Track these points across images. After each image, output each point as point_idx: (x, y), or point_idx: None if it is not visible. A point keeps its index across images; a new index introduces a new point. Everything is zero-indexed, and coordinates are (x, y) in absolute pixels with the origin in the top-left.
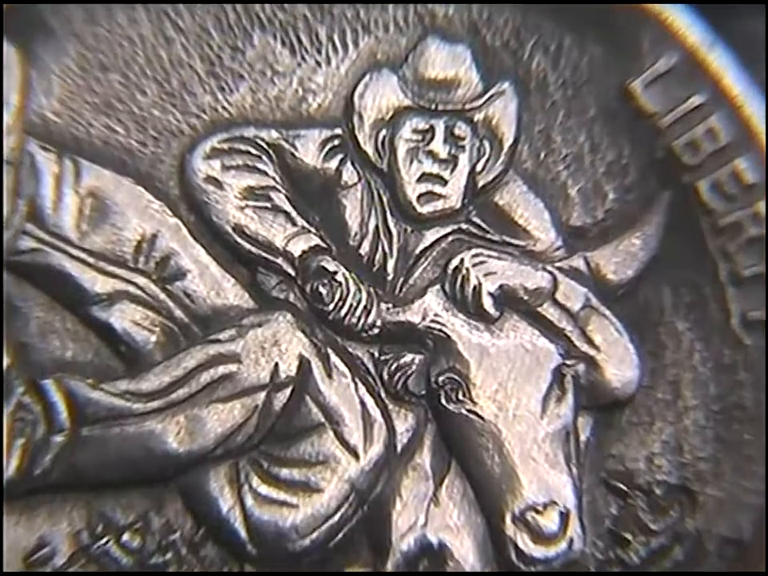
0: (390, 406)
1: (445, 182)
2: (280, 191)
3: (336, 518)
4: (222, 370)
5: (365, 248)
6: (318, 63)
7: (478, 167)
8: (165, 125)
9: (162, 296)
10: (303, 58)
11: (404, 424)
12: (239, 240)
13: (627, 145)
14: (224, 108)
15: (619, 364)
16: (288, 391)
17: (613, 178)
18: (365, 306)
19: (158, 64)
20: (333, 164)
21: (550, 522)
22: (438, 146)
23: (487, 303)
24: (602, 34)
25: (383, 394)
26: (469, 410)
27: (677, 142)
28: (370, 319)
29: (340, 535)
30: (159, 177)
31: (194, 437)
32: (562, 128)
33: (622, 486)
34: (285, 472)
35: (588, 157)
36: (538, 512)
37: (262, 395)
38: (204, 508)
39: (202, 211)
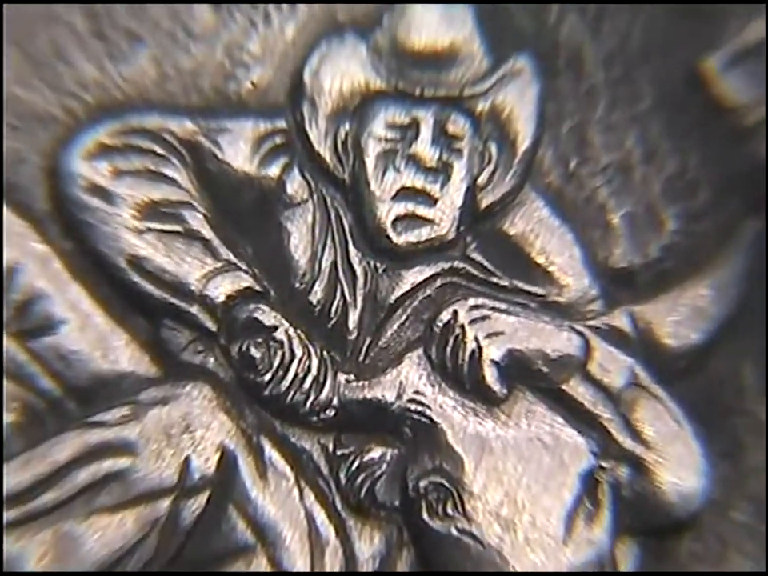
0: (350, 522)
1: (433, 201)
2: (196, 209)
3: None
4: (108, 465)
5: (316, 293)
6: (253, 23)
7: (481, 180)
8: (28, 108)
9: (22, 357)
10: (231, 15)
11: (369, 548)
12: (136, 278)
13: (696, 152)
14: (115, 84)
15: (678, 468)
16: (203, 498)
17: (674, 199)
18: (315, 378)
19: (19, 19)
20: (273, 171)
21: None
22: (424, 148)
23: (490, 376)
24: None
25: (340, 505)
26: (462, 530)
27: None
28: (323, 396)
29: None
30: (20, 183)
31: (66, 563)
32: (603, 125)
33: None
34: None
35: (639, 168)
36: None
37: (166, 503)
38: None
39: (82, 236)
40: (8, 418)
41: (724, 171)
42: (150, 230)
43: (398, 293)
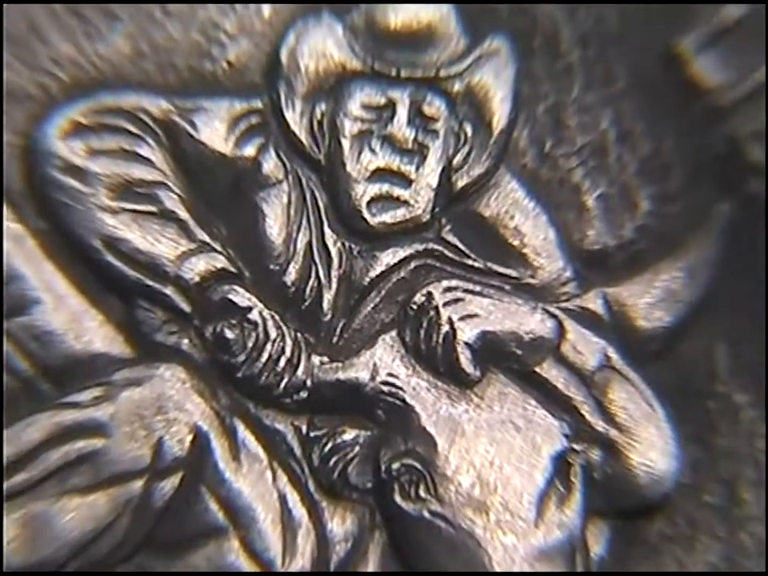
0: (322, 504)
1: (408, 182)
2: (171, 189)
3: None
4: (80, 446)
5: (291, 274)
6: (230, 2)
7: (456, 161)
8: (4, 85)
9: None
10: None
11: (341, 530)
12: (110, 259)
13: (671, 133)
14: (91, 62)
15: (649, 451)
16: (176, 479)
17: (648, 181)
18: (289, 359)
19: None
20: (248, 151)
21: None
22: (400, 129)
23: (464, 359)
24: None
25: (312, 487)
26: (434, 513)
27: (743, 130)
28: (297, 378)
29: None
30: None
31: (37, 544)
32: (578, 106)
33: None
34: None
35: (614, 149)
36: None
37: (138, 485)
38: None
39: (56, 215)
40: None
41: (698, 153)
42: (124, 210)
43: (372, 274)
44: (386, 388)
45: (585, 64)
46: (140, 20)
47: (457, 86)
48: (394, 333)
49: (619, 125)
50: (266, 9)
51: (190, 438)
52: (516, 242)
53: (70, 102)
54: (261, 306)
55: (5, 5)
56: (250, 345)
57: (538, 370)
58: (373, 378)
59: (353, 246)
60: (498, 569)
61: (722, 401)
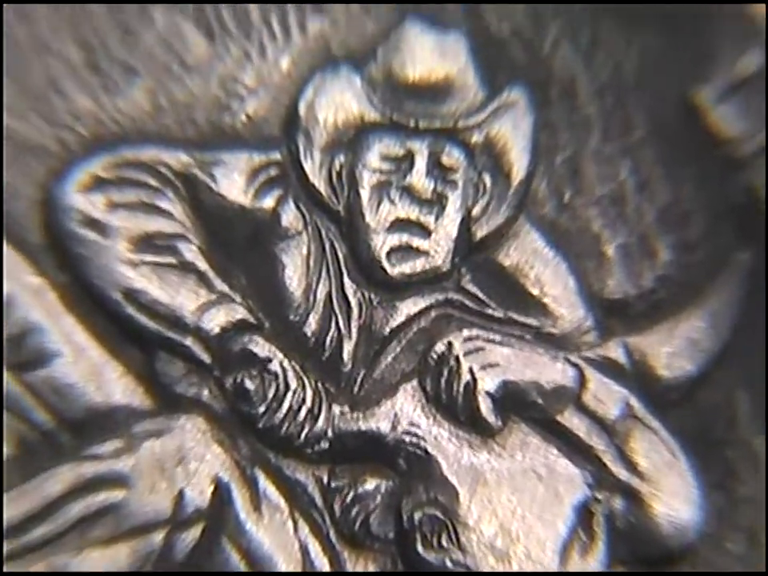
0: (344, 554)
1: (427, 233)
2: (191, 241)
3: None
4: (102, 498)
5: (311, 325)
6: (247, 55)
7: (476, 212)
8: (22, 139)
9: (16, 390)
10: (225, 47)
11: None
12: (131, 311)
13: (690, 182)
14: (110, 117)
15: (672, 500)
16: (197, 531)
17: (668, 230)
18: (310, 409)
19: (13, 51)
20: (267, 203)
21: None
22: (419, 180)
23: (485, 408)
24: (657, 19)
25: (334, 537)
26: (456, 562)
27: (761, 180)
28: (318, 428)
29: None
30: (15, 216)
31: None
32: (597, 156)
33: None
34: None
35: (633, 199)
36: None
37: (160, 536)
38: None
39: (77, 268)
40: (3, 450)
41: (717, 202)
42: (144, 262)
43: (392, 324)
44: (407, 438)
45: (603, 114)
46: (158, 74)
47: (475, 137)
48: (414, 382)
49: (638, 174)
50: (285, 62)
51: (211, 488)
52: (536, 292)
53: (90, 156)
54: (281, 356)
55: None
56: (270, 395)
57: (559, 418)
58: (394, 428)
59: (373, 296)
60: None
61: (743, 448)
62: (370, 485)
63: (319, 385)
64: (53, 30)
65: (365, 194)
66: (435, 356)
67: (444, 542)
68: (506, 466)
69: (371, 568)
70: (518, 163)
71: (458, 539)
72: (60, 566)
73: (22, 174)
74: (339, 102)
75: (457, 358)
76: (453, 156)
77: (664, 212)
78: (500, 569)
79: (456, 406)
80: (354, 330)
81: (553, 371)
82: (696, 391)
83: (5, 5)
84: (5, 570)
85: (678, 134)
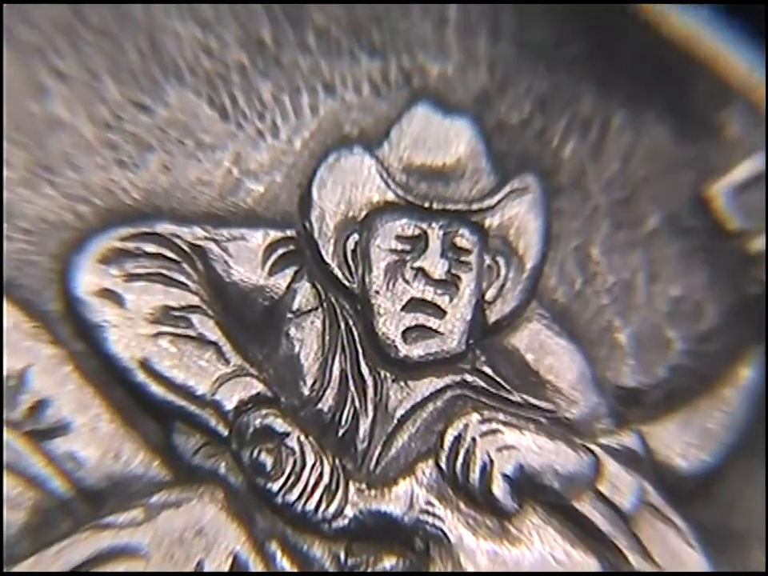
0: None
1: (442, 314)
2: (207, 314)
3: None
4: (120, 569)
5: (327, 401)
6: (261, 134)
7: (489, 295)
8: (38, 212)
9: (33, 458)
10: (239, 125)
11: None
12: (148, 382)
13: (703, 274)
14: (125, 191)
15: None
16: None
17: (681, 320)
18: (327, 485)
19: (27, 125)
20: (282, 280)
21: None
22: (433, 261)
23: (500, 491)
24: (669, 109)
25: None
26: None
27: None
28: (335, 505)
29: None
30: (31, 287)
31: None
32: (608, 245)
33: None
34: None
35: (645, 288)
36: None
37: None
38: None
39: (94, 339)
40: (19, 518)
41: (730, 295)
42: (161, 333)
43: (408, 404)
44: (423, 518)
45: (613, 204)
46: (172, 150)
47: (489, 220)
48: (431, 462)
49: (650, 264)
50: (298, 141)
51: (228, 562)
52: (550, 377)
53: (106, 229)
54: (298, 431)
55: None
56: (287, 470)
57: (576, 505)
58: (411, 508)
59: (388, 374)
60: None
61: (759, 541)
62: (387, 563)
63: (336, 461)
64: (67, 105)
65: (379, 273)
66: (451, 437)
67: None
68: (523, 551)
69: None
70: (532, 247)
71: None
72: None
73: (39, 245)
74: (353, 181)
75: (473, 440)
76: (467, 238)
77: (677, 302)
78: None
79: (472, 488)
80: (370, 408)
81: (569, 456)
82: (713, 481)
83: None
84: None
85: (689, 227)
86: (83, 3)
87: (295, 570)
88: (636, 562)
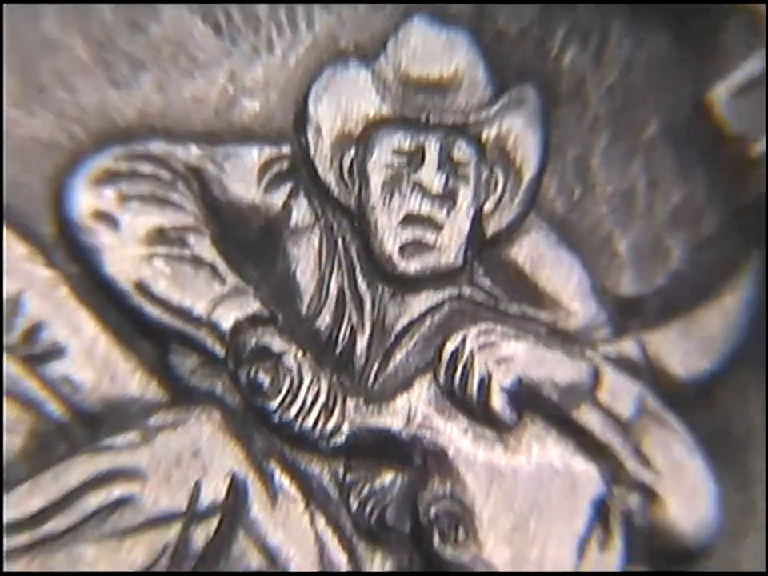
0: (361, 548)
1: (439, 228)
2: (203, 234)
3: None
4: (117, 491)
5: (324, 319)
6: (256, 50)
7: (487, 207)
8: (31, 133)
9: (29, 383)
10: (234, 42)
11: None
12: (143, 303)
13: (703, 181)
14: (119, 111)
15: (689, 498)
16: (213, 523)
17: (680, 228)
18: (325, 403)
19: (20, 47)
20: (278, 198)
21: None
22: (430, 174)
23: (499, 404)
24: (667, 18)
25: (350, 531)
26: (473, 558)
27: None
28: (333, 423)
29: None
30: (25, 210)
31: None
32: (608, 155)
33: None
34: None
35: (644, 197)
36: None
37: (176, 528)
38: None
39: (88, 261)
40: (16, 442)
41: (730, 200)
42: (156, 255)
43: (405, 319)
44: (421, 432)
45: (612, 113)
46: (166, 68)
47: (486, 132)
48: (429, 377)
49: (649, 173)
50: (293, 57)
51: (227, 481)
52: (549, 288)
53: (100, 150)
54: (295, 350)
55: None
56: (284, 389)
57: (574, 414)
58: (409, 423)
59: (385, 290)
60: None
61: (758, 448)
62: (385, 479)
63: (334, 379)
64: (60, 26)
65: (376, 188)
66: (449, 351)
67: (461, 537)
68: (521, 461)
69: (388, 562)
70: (530, 159)
71: (474, 534)
72: (78, 556)
73: (33, 168)
74: (348, 96)
75: (471, 353)
76: (464, 150)
77: (676, 210)
78: (517, 564)
79: (471, 401)
80: (368, 325)
81: (567, 367)
82: (712, 389)
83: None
84: (24, 558)
85: (689, 133)
86: (82, 3)
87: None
88: (635, 471)
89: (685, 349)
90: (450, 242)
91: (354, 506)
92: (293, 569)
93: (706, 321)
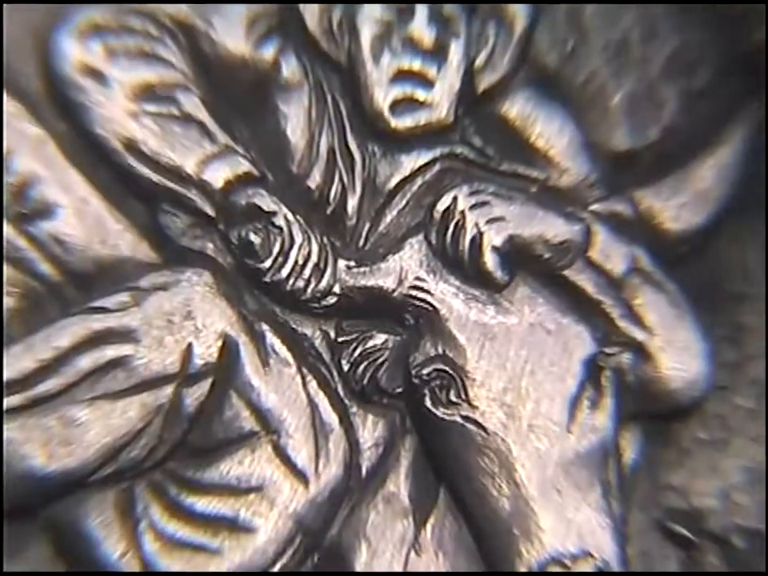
0: (353, 409)
1: (430, 84)
2: (192, 91)
3: (275, 569)
4: (110, 352)
5: (314, 178)
6: None
7: (478, 62)
8: None
9: (20, 242)
10: None
11: (372, 435)
12: (133, 162)
13: (698, 30)
14: None
15: (681, 354)
16: (206, 385)
17: (675, 78)
18: (316, 264)
19: None
20: (268, 53)
21: None
22: (420, 29)
23: (491, 263)
24: None
25: (343, 392)
26: (465, 417)
27: None
28: (324, 283)
29: None
30: (15, 65)
31: (71, 449)
32: (601, 2)
33: (685, 531)
34: (202, 502)
35: (638, 47)
36: (564, 566)
37: (169, 390)
38: (83, 553)
39: (77, 118)
40: (8, 303)
41: (726, 50)
42: (145, 112)
43: (396, 178)
44: (413, 293)
45: None
46: None
47: None
48: (420, 237)
49: (643, 22)
50: None
51: (219, 343)
52: (541, 144)
53: (86, 3)
54: (286, 210)
55: None
56: (275, 249)
57: (566, 273)
58: (400, 283)
59: (376, 149)
60: (532, 473)
61: (755, 302)
62: (377, 339)
63: (325, 239)
64: None
65: (366, 44)
66: (440, 210)
67: (453, 397)
68: (513, 321)
69: (380, 423)
70: (521, 12)
71: (466, 394)
72: (71, 417)
73: (19, 20)
74: None
75: (462, 212)
76: (454, 5)
77: (671, 60)
78: (509, 423)
79: (462, 261)
80: (358, 184)
81: (559, 225)
82: (706, 245)
83: None
84: (18, 420)
85: None
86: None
87: (292, 355)
88: (627, 328)
89: (678, 203)
90: (441, 98)
91: (346, 368)
92: (286, 430)
93: (700, 174)
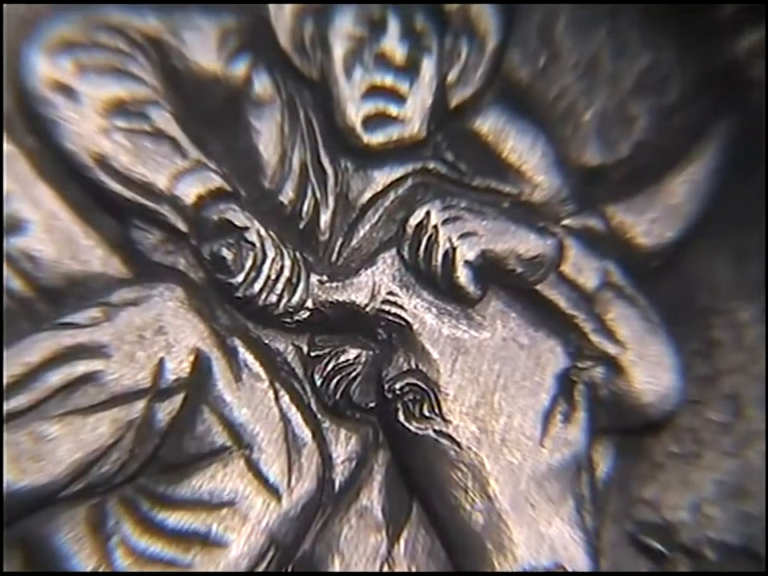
0: (326, 424)
1: (402, 100)
2: (163, 107)
3: None
4: (81, 368)
5: (287, 193)
6: None
7: (451, 77)
8: None
9: None
10: None
11: (345, 450)
12: (104, 178)
13: (669, 45)
14: None
15: (653, 368)
16: (178, 400)
17: (646, 95)
18: (288, 279)
19: None
20: (239, 68)
21: None
22: (392, 44)
23: (464, 277)
24: None
25: (315, 407)
26: (438, 432)
27: (744, 42)
28: (297, 298)
29: None
30: None
31: (41, 465)
32: (572, 19)
33: (657, 544)
34: (174, 518)
35: (609, 64)
36: None
37: (141, 405)
38: (54, 568)
39: (47, 134)
40: None
41: (698, 65)
42: (116, 128)
43: (369, 193)
44: (386, 307)
45: None
46: None
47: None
48: (393, 251)
49: (615, 38)
50: None
51: (191, 358)
52: (513, 159)
53: (57, 18)
54: (258, 225)
55: None
56: (248, 265)
57: (539, 288)
58: (373, 298)
59: (349, 164)
60: (505, 487)
61: (726, 317)
62: (350, 354)
63: (297, 254)
64: None
65: (338, 60)
66: (413, 225)
67: (426, 412)
68: (486, 336)
69: (353, 438)
70: (493, 29)
71: (439, 409)
72: (42, 432)
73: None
74: None
75: (435, 227)
76: (426, 21)
77: (641, 76)
78: (482, 438)
79: (435, 276)
80: (331, 199)
81: (531, 240)
82: (677, 259)
83: None
84: None
85: None
86: (83, 3)
87: (264, 370)
88: (600, 343)
89: (650, 218)
90: (413, 114)
91: (319, 382)
92: (258, 445)
93: (671, 190)
